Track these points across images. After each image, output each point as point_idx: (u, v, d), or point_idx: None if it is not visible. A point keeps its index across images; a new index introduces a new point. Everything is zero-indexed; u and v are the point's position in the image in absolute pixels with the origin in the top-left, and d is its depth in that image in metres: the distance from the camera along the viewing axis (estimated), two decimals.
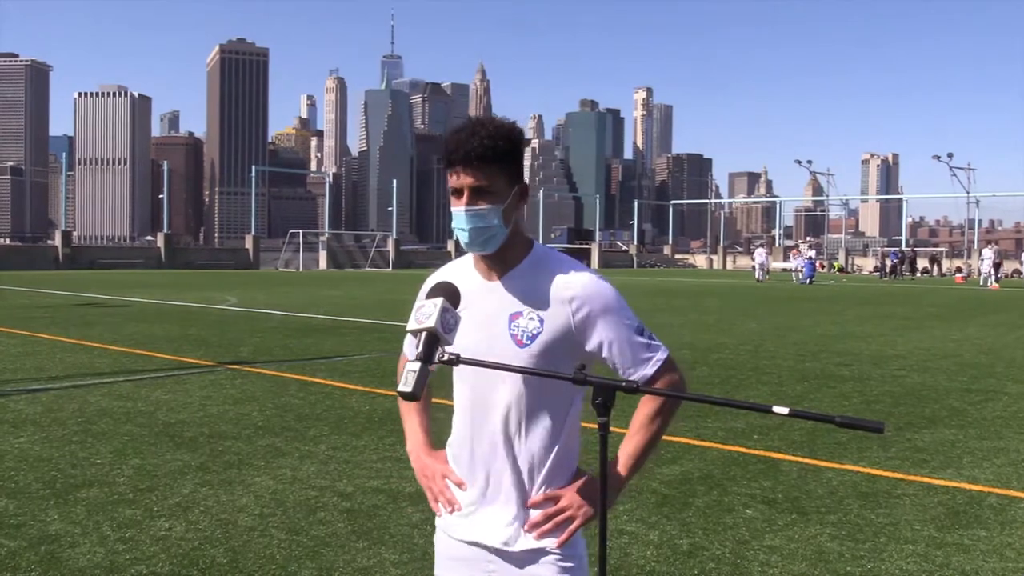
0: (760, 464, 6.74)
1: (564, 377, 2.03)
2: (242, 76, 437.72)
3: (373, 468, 6.44)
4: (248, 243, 63.84)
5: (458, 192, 2.17)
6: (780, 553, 4.83)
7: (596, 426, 2.02)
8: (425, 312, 2.00)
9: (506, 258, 2.24)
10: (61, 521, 5.21)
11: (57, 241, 55.32)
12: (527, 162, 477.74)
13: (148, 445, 7.13)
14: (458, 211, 2.17)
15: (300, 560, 4.65)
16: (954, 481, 6.34)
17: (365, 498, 5.74)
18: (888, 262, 58.00)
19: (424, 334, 1.98)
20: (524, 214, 2.33)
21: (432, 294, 2.08)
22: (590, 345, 2.22)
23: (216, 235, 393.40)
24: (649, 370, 2.23)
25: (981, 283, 46.00)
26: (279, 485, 6.03)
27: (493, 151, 2.13)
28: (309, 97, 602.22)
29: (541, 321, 2.19)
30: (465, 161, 2.14)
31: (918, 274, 62.92)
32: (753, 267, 51.73)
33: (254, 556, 4.69)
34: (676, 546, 4.92)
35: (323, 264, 63.60)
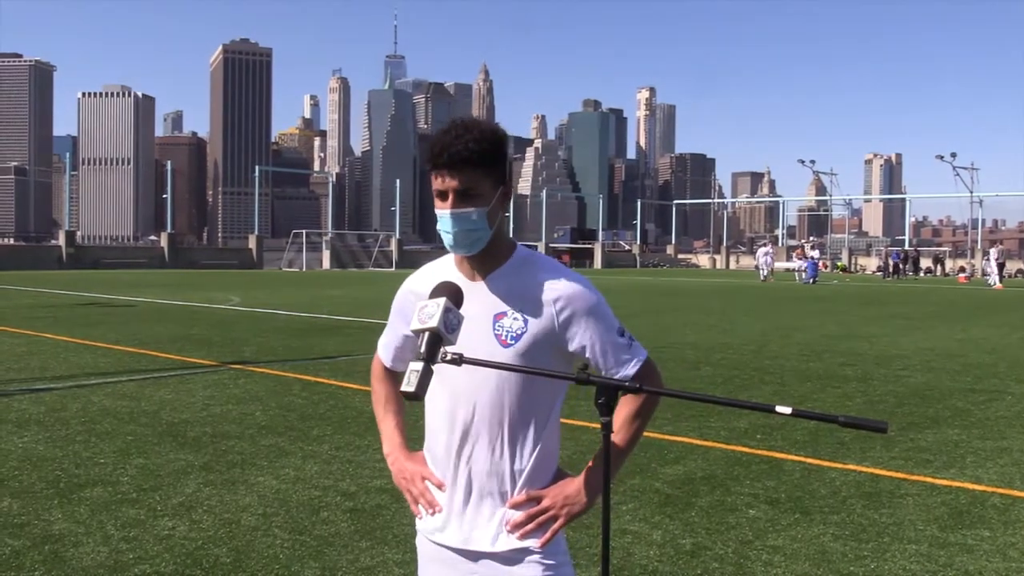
0: (763, 464, 6.74)
1: (568, 377, 2.04)
2: (245, 76, 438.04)
3: (376, 468, 6.44)
4: (251, 243, 63.91)
5: (443, 195, 2.18)
6: (783, 553, 4.83)
7: (598, 426, 2.02)
8: (428, 312, 2.00)
9: (490, 259, 2.25)
10: (65, 520, 5.22)
11: (61, 241, 55.45)
12: (530, 162, 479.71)
13: (151, 445, 7.14)
14: (443, 213, 2.18)
15: (303, 560, 4.66)
16: (957, 481, 6.34)
17: (368, 498, 5.75)
18: (891, 262, 57.92)
19: (427, 334, 1.98)
20: (514, 216, 2.34)
21: (435, 294, 2.08)
22: (573, 345, 2.24)
23: (219, 235, 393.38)
24: (630, 370, 2.25)
25: (991, 283, 45.67)
26: (282, 485, 6.04)
27: (479, 155, 2.14)
28: (312, 97, 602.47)
29: (525, 321, 2.21)
30: (450, 164, 2.14)
31: (921, 274, 62.84)
32: (757, 267, 51.76)
33: (257, 556, 4.70)
34: (679, 546, 4.92)
35: (326, 264, 63.62)
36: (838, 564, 4.68)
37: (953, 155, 76.15)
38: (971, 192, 77.52)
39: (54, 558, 4.62)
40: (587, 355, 2.24)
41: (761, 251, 53.00)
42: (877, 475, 6.46)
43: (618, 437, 2.27)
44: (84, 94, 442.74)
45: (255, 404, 8.94)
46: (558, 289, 2.22)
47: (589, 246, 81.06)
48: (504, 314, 2.22)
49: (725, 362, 12.58)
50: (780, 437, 7.59)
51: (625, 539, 4.99)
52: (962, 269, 62.16)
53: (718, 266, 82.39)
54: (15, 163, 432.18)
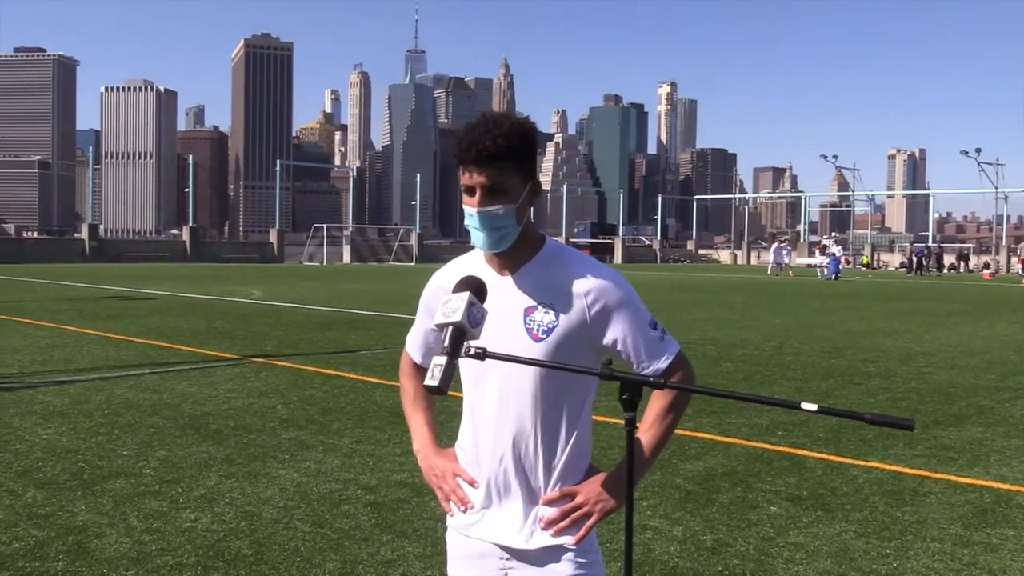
0: (784, 461, 6.71)
1: (592, 372, 2.01)
2: (267, 71, 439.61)
3: (396, 462, 6.46)
4: (272, 237, 64.14)
5: (470, 190, 2.16)
6: (805, 550, 4.80)
7: (622, 422, 2.00)
8: (452, 306, 1.99)
9: (519, 253, 2.22)
10: (88, 512, 5.26)
11: (84, 234, 55.85)
12: (551, 157, 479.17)
13: (174, 437, 7.19)
14: (471, 211, 2.15)
15: (324, 552, 4.67)
16: (981, 479, 6.29)
17: (389, 491, 5.76)
18: (914, 258, 57.47)
19: (451, 328, 1.97)
20: (534, 210, 2.31)
21: (458, 288, 2.06)
22: (605, 339, 2.21)
23: (241, 229, 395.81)
24: (663, 364, 2.22)
25: None
26: (303, 478, 6.06)
27: (507, 150, 2.11)
28: (333, 91, 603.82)
29: (556, 315, 2.18)
30: (478, 160, 2.11)
31: (945, 270, 62.34)
32: (775, 263, 51.78)
33: (279, 548, 4.72)
34: (700, 542, 4.90)
35: (347, 258, 63.78)
36: (860, 562, 4.65)
37: (978, 150, 75.35)
38: (996, 188, 76.72)
39: (78, 549, 4.66)
40: (619, 348, 2.21)
41: (774, 246, 53.11)
42: (900, 473, 6.41)
43: (649, 434, 2.24)
44: (107, 88, 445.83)
45: (276, 397, 8.98)
46: (589, 282, 2.19)
47: (609, 241, 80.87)
48: (535, 308, 2.19)
49: (746, 358, 12.53)
50: (802, 434, 7.55)
51: (646, 535, 4.98)
52: (986, 265, 61.58)
53: (739, 262, 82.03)
54: (39, 157, 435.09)
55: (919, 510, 5.53)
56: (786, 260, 52.93)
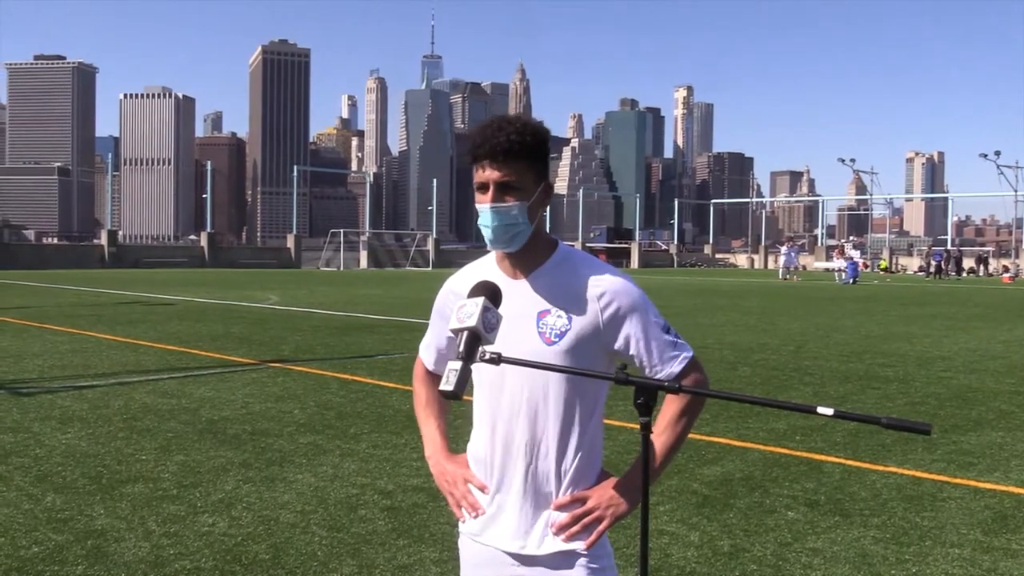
0: (802, 465, 6.68)
1: (607, 376, 2.01)
2: (284, 77, 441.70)
3: (413, 466, 6.46)
4: (290, 242, 64.42)
5: (483, 187, 2.17)
6: (823, 556, 4.78)
7: (637, 426, 2.00)
8: (467, 311, 1.99)
9: (531, 256, 2.23)
10: (107, 516, 5.29)
11: (103, 240, 56.21)
12: (567, 162, 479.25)
13: (192, 442, 7.22)
14: (483, 207, 2.16)
15: (341, 557, 4.68)
16: (1002, 484, 6.24)
17: (406, 496, 5.77)
18: (933, 262, 57.11)
19: (465, 333, 1.97)
20: (550, 215, 2.32)
21: (473, 293, 2.07)
22: (617, 343, 2.21)
23: (258, 234, 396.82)
24: (676, 368, 2.22)
25: None
26: (320, 482, 6.08)
27: (520, 146, 2.13)
28: (350, 97, 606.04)
29: (569, 319, 2.18)
30: (492, 155, 2.13)
31: (964, 274, 61.91)
32: (791, 266, 51.56)
33: (296, 552, 4.74)
34: (717, 547, 4.89)
35: (364, 263, 63.91)
36: (879, 567, 4.62)
37: (997, 153, 74.87)
38: (1015, 191, 76.16)
39: (96, 553, 4.69)
40: (631, 352, 2.21)
41: (783, 249, 52.80)
42: (919, 478, 6.37)
43: (663, 437, 2.24)
44: (125, 95, 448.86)
45: (293, 402, 9.01)
46: (602, 286, 2.20)
47: (626, 246, 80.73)
48: (548, 312, 2.19)
49: (764, 362, 12.48)
50: (819, 439, 7.51)
51: (662, 540, 4.97)
52: (1006, 269, 61.11)
53: (756, 266, 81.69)
54: (59, 163, 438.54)
55: (938, 515, 5.50)
56: (794, 264, 52.61)
